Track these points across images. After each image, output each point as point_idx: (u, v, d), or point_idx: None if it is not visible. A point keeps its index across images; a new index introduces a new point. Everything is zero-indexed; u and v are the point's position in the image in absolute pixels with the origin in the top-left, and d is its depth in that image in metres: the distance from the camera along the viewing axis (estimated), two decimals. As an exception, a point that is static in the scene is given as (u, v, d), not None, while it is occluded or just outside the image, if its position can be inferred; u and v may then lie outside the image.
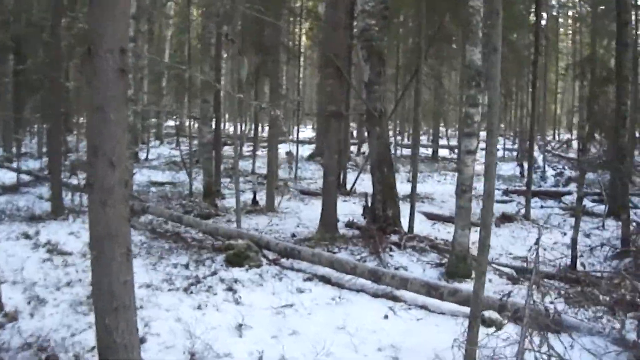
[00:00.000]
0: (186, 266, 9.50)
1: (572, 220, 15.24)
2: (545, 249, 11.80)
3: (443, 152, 34.00)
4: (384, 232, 11.47)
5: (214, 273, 9.08)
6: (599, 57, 20.60)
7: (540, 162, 24.25)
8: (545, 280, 9.41)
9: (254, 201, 15.71)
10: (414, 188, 12.60)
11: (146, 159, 26.91)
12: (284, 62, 31.15)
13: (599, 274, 9.63)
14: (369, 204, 12.88)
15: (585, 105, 19.41)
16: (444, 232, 13.16)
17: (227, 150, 26.61)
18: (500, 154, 32.38)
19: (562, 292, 8.48)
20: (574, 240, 10.29)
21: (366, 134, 14.89)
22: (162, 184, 19.72)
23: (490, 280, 9.28)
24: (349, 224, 13.01)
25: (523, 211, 15.88)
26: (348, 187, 18.89)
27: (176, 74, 20.65)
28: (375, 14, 11.81)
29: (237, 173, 11.94)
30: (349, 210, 14.43)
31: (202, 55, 16.62)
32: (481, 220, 5.49)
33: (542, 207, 17.00)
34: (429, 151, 33.01)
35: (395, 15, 17.76)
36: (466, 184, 9.18)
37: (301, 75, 39.91)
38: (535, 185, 20.72)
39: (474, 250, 9.01)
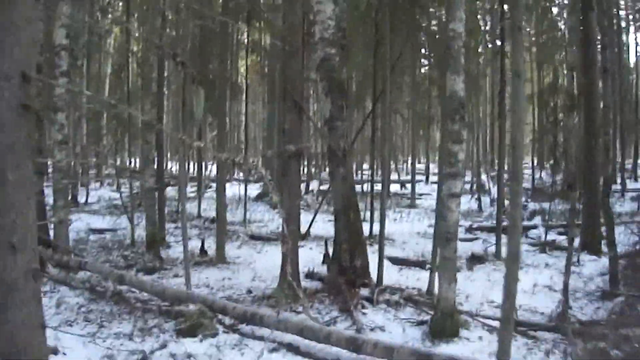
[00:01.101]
0: (130, 337, 8.07)
1: (545, 257, 14.42)
2: (526, 293, 10.98)
3: (394, 187, 32.85)
4: (353, 285, 10.21)
5: (163, 346, 7.66)
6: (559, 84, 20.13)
7: (494, 193, 23.42)
8: (539, 332, 8.51)
9: (202, 250, 14.30)
10: (382, 232, 11.30)
11: (86, 202, 25.16)
12: (227, 98, 30.01)
13: (593, 320, 8.91)
14: (329, 252, 11.69)
15: (547, 135, 18.97)
16: (413, 279, 12.10)
17: (170, 190, 25.13)
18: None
19: (568, 349, 7.49)
20: (565, 286, 9.26)
21: (327, 173, 13.44)
22: (102, 231, 18.13)
23: (480, 338, 8.33)
24: (310, 275, 11.77)
25: (492, 249, 14.92)
26: (302, 229, 17.66)
27: (116, 113, 19.20)
28: (335, 43, 10.70)
29: (184, 222, 10.50)
30: (307, 257, 13.24)
31: (143, 91, 15.23)
32: (505, 290, 4.35)
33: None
34: (379, 186, 31.78)
35: (352, 43, 16.61)
36: (451, 232, 8.01)
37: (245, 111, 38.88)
38: (493, 219, 19.85)
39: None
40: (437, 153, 47.50)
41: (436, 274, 9.89)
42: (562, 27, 30.20)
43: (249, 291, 10.84)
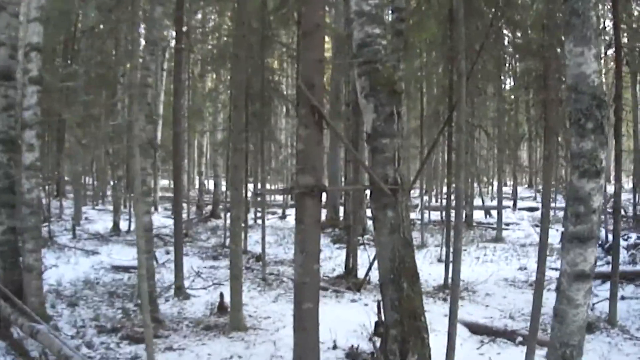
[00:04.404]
0: None
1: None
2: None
3: (478, 215, 28.37)
4: (406, 394, 6.46)
5: None
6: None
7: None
8: None
9: (221, 307, 10.90)
10: (454, 300, 7.25)
11: (128, 230, 21.53)
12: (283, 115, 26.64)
13: None
14: (383, 320, 7.94)
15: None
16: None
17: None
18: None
19: None
20: None
21: (371, 220, 9.22)
22: (127, 269, 14.74)
23: None
24: (353, 355, 8.27)
25: (601, 308, 11.02)
26: (359, 273, 14.09)
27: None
28: (380, 20, 6.83)
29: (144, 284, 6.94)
30: (355, 321, 9.85)
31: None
32: None
33: (622, 297, 11.84)
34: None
35: (417, 37, 12.67)
36: (573, 343, 4.18)
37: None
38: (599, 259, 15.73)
39: None
40: (524, 175, 43.65)
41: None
42: None
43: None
